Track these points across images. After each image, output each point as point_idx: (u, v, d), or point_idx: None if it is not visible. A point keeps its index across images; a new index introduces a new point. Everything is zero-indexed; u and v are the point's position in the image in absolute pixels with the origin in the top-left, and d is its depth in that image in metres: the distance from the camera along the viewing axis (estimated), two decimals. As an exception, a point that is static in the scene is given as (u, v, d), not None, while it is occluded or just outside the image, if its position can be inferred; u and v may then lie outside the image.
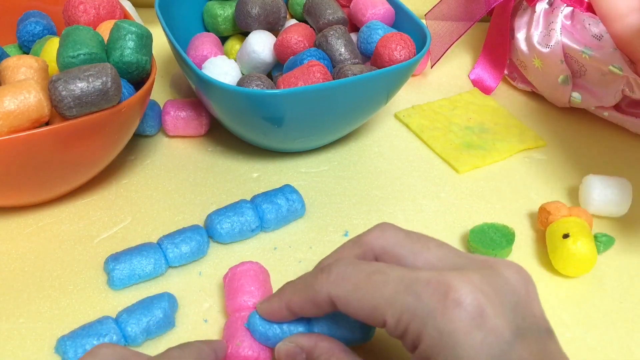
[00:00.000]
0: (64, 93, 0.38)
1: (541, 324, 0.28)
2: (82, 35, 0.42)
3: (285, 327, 0.34)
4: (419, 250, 0.31)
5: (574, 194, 0.49)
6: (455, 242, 0.45)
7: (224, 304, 0.39)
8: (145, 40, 0.44)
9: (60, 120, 0.39)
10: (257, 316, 0.35)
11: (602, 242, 0.43)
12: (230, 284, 0.38)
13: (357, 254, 0.33)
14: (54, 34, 0.51)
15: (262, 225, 0.44)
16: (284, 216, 0.44)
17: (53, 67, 0.45)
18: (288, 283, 0.35)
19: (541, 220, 0.45)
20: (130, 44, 0.43)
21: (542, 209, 0.45)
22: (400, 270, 0.30)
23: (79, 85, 0.38)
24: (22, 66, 0.42)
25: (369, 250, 0.33)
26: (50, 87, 0.38)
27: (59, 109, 0.38)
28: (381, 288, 0.29)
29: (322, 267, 0.32)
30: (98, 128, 0.41)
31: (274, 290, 0.38)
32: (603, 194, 0.46)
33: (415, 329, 0.28)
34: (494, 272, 0.29)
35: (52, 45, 0.46)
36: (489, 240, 0.43)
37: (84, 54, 0.41)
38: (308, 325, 0.35)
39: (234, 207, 0.43)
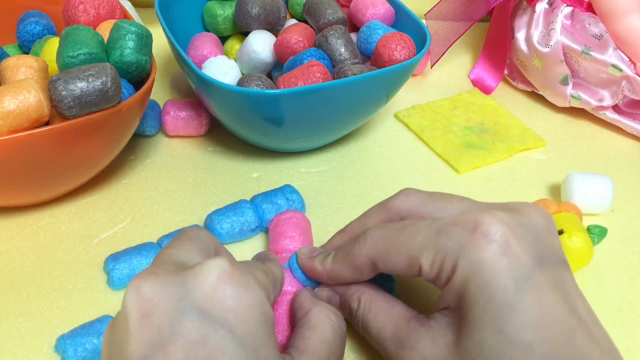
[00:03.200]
0: (64, 93, 0.38)
1: (558, 255, 0.31)
2: (82, 35, 0.42)
3: None
4: (442, 207, 0.34)
5: (574, 193, 0.49)
6: (455, 241, 0.45)
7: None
8: (145, 40, 0.44)
9: (60, 120, 0.39)
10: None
11: (596, 234, 0.43)
12: (275, 228, 0.41)
13: (383, 217, 0.36)
14: (53, 34, 0.51)
15: (262, 225, 0.44)
16: None
17: (53, 67, 0.45)
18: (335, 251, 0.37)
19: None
20: (130, 44, 0.43)
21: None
22: (429, 220, 0.32)
23: (79, 85, 0.38)
24: (22, 66, 0.42)
25: (394, 214, 0.35)
26: (50, 87, 0.38)
27: (58, 109, 0.38)
28: (413, 238, 0.31)
29: (357, 236, 0.34)
30: (98, 128, 0.41)
31: (314, 238, 0.43)
32: (584, 190, 0.46)
33: (449, 265, 0.30)
34: (516, 211, 0.31)
35: (52, 45, 0.46)
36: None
37: (84, 54, 0.41)
38: None
39: (234, 207, 0.43)
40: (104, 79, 0.38)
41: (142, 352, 0.26)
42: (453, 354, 0.30)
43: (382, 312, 0.33)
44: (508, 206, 0.32)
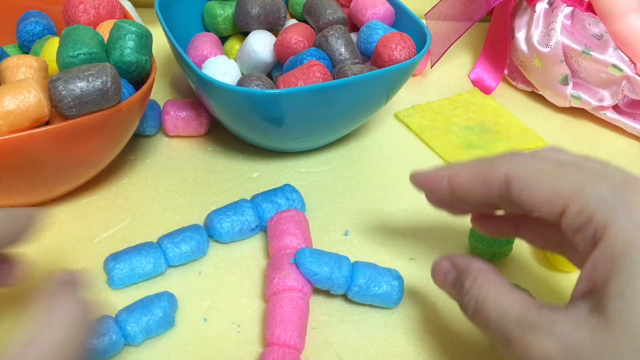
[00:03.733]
0: (64, 93, 0.38)
1: None
2: (82, 35, 0.42)
3: (333, 265, 0.38)
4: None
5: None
6: (455, 240, 0.45)
7: (223, 304, 0.39)
8: (145, 40, 0.44)
9: (60, 120, 0.39)
10: (307, 253, 0.38)
11: None
12: (276, 226, 0.41)
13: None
14: (53, 34, 0.51)
15: (262, 225, 0.44)
16: None
17: (53, 67, 0.45)
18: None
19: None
20: (130, 43, 0.43)
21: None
22: (594, 164, 0.28)
23: (79, 85, 0.38)
24: (22, 66, 0.42)
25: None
26: (50, 86, 0.38)
27: (58, 108, 0.38)
28: (571, 175, 0.28)
29: (501, 153, 0.31)
30: (98, 128, 0.41)
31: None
32: None
33: (602, 219, 0.26)
34: None
35: (52, 45, 0.46)
36: (490, 238, 0.43)
37: (84, 54, 0.41)
38: (349, 272, 0.38)
39: (234, 207, 0.43)
40: (104, 78, 0.38)
41: None
42: (603, 340, 0.25)
43: (505, 293, 0.29)
44: None
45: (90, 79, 0.38)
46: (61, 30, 0.48)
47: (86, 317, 0.27)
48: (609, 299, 0.24)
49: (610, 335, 0.24)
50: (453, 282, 0.33)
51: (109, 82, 0.38)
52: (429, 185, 0.34)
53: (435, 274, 0.35)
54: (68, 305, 0.27)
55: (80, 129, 0.40)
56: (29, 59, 0.42)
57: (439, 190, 0.34)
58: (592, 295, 0.26)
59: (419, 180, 0.35)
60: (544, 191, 0.28)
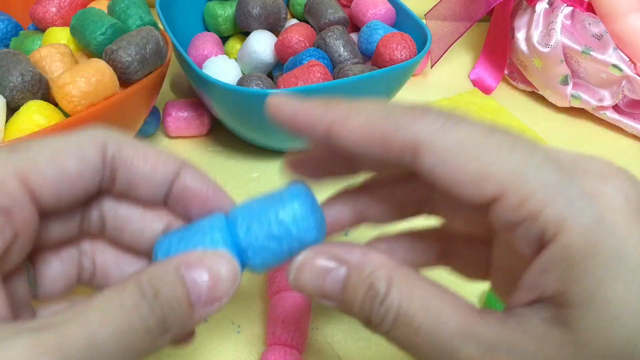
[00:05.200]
0: (129, 59, 0.40)
1: None
2: (94, 13, 0.43)
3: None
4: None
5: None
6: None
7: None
8: (144, 2, 0.47)
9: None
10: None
11: None
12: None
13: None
14: (22, 29, 0.50)
15: (244, 264, 0.42)
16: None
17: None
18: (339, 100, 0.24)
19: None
20: (140, 9, 0.45)
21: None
22: (535, 141, 0.22)
23: (138, 49, 0.41)
24: (56, 54, 0.43)
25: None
26: (113, 57, 0.40)
27: (126, 74, 0.41)
28: (506, 151, 0.21)
29: (411, 106, 0.23)
30: (157, 85, 0.44)
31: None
32: None
33: (554, 215, 0.20)
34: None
35: (51, 35, 0.45)
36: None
37: (110, 27, 0.43)
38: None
39: (196, 230, 0.27)
40: (157, 38, 0.42)
41: None
42: (576, 358, 0.20)
43: (437, 300, 0.22)
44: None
45: (145, 42, 0.41)
46: (26, 27, 0.50)
47: None
48: (573, 309, 0.20)
49: (585, 351, 0.20)
50: (343, 285, 0.23)
51: (161, 41, 0.42)
52: (297, 121, 0.24)
53: (303, 276, 0.24)
54: None
55: (147, 88, 0.42)
56: (58, 47, 0.43)
57: (310, 132, 0.24)
58: (544, 306, 0.21)
59: (282, 110, 0.24)
60: (469, 170, 0.21)
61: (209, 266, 0.23)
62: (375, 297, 0.22)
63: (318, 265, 0.24)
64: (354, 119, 0.23)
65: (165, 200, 0.26)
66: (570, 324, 0.20)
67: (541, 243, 0.20)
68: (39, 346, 0.19)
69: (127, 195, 0.26)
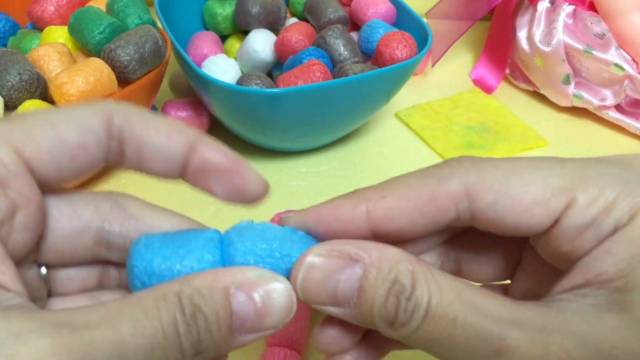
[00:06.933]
0: (127, 58, 0.40)
1: None
2: (92, 12, 0.43)
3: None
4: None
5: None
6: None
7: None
8: (143, 2, 0.47)
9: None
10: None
11: None
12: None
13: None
14: (19, 28, 0.51)
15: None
16: None
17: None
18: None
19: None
20: (140, 6, 0.45)
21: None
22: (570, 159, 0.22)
23: (137, 48, 0.41)
24: (54, 53, 0.43)
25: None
26: (112, 56, 0.40)
27: (124, 74, 0.40)
28: (558, 167, 0.21)
29: (435, 165, 0.23)
30: (155, 84, 0.44)
31: None
32: None
33: (628, 203, 0.20)
34: None
35: (49, 34, 0.45)
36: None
37: (108, 26, 0.42)
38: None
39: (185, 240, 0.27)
40: (155, 37, 0.42)
41: None
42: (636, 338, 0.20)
43: (468, 290, 0.21)
44: None
45: (144, 41, 0.41)
46: (24, 25, 0.50)
47: None
48: (633, 292, 0.20)
49: None
50: (360, 284, 0.21)
51: (160, 40, 0.42)
52: (334, 229, 0.23)
53: (313, 277, 0.22)
54: None
55: (145, 87, 0.42)
56: (56, 46, 0.43)
57: (350, 234, 0.23)
58: (591, 292, 0.21)
59: (312, 224, 0.24)
60: (532, 190, 0.21)
61: (264, 292, 0.21)
62: (401, 292, 0.21)
63: (329, 264, 0.22)
64: (392, 194, 0.22)
65: (183, 175, 0.25)
66: (630, 307, 0.20)
67: (608, 234, 0.20)
68: (61, 346, 0.17)
69: (139, 170, 0.24)
